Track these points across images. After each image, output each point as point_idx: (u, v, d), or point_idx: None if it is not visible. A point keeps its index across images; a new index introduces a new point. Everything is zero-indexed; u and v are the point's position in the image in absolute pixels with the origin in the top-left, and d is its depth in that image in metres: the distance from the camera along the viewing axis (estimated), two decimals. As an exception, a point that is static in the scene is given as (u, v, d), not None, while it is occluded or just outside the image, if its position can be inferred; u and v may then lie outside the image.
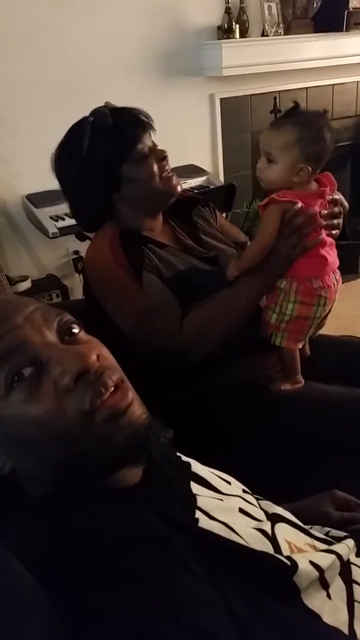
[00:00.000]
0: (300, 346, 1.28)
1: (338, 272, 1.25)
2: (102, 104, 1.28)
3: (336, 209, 1.23)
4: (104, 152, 1.21)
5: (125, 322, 1.22)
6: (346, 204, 1.26)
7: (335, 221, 1.24)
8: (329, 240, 1.23)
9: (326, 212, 1.21)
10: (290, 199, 1.16)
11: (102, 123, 1.22)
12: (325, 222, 1.21)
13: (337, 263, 1.26)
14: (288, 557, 0.63)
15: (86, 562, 0.54)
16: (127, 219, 1.29)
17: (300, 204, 1.16)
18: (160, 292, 1.22)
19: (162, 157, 1.26)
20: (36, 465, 0.63)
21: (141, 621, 0.49)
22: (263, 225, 1.19)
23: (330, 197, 1.22)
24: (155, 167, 1.25)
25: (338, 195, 1.24)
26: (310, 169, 1.16)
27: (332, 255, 1.24)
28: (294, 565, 0.62)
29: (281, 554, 0.66)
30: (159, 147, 1.28)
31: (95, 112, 1.24)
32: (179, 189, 1.30)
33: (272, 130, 1.17)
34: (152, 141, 1.27)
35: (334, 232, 1.24)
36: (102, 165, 1.22)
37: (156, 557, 0.55)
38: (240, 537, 0.65)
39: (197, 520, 0.65)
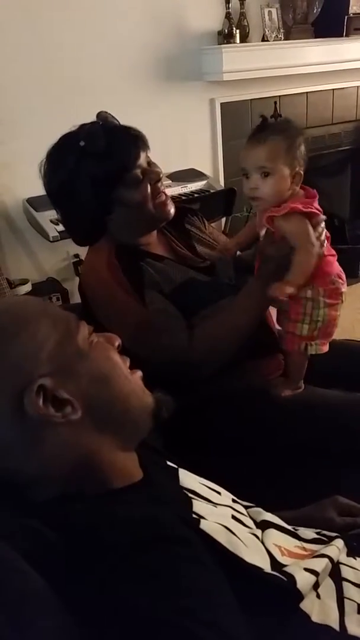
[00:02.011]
0: (327, 348, 1.27)
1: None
2: (97, 115, 1.23)
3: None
4: (93, 177, 1.17)
5: (130, 340, 1.17)
6: None
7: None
8: (328, 236, 1.24)
9: None
10: (311, 210, 1.15)
11: (94, 149, 1.16)
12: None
13: None
14: (285, 572, 0.66)
15: (108, 560, 0.55)
16: (121, 237, 1.27)
17: (323, 217, 1.17)
18: (164, 308, 1.21)
19: (156, 179, 1.23)
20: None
21: (164, 616, 0.51)
22: (301, 234, 1.14)
23: None
24: (149, 190, 1.22)
25: None
26: (301, 172, 1.16)
27: (335, 254, 1.25)
28: (293, 580, 0.65)
29: (273, 558, 0.69)
30: (154, 166, 1.24)
31: (88, 135, 1.17)
32: (172, 212, 1.28)
33: (257, 146, 1.14)
34: (148, 159, 1.23)
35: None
36: (91, 189, 1.18)
37: (176, 555, 0.57)
38: (240, 539, 0.67)
39: (198, 521, 0.66)
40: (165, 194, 1.26)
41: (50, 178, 1.23)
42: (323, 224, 1.20)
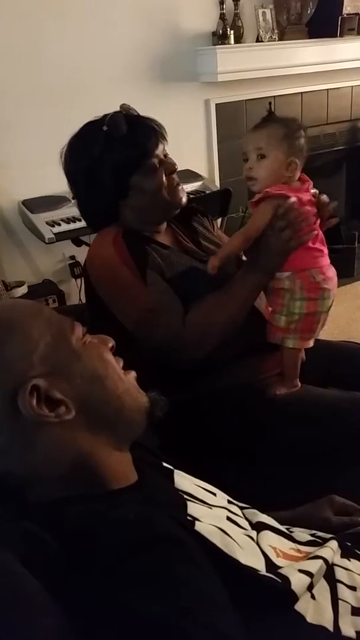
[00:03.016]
0: (312, 344, 1.28)
1: (332, 266, 1.27)
2: (119, 106, 1.28)
3: (323, 197, 1.25)
4: (114, 162, 1.22)
5: (129, 319, 1.22)
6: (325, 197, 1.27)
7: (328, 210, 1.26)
8: (321, 235, 1.24)
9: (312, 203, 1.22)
10: (284, 193, 1.17)
11: (117, 133, 1.21)
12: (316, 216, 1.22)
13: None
14: (280, 574, 0.66)
15: (104, 562, 0.55)
16: (132, 223, 1.30)
17: (294, 198, 1.17)
18: (164, 290, 1.23)
19: (172, 170, 1.28)
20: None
21: (161, 617, 0.51)
22: (253, 217, 1.21)
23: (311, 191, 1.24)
24: (164, 180, 1.26)
25: (314, 190, 1.26)
26: (297, 162, 1.20)
27: (325, 250, 1.26)
28: (287, 582, 0.65)
29: (268, 559, 0.69)
30: (170, 159, 1.29)
31: (111, 120, 1.23)
32: (184, 200, 1.32)
33: (257, 130, 1.21)
34: (165, 151, 1.28)
35: (333, 220, 1.27)
36: (111, 174, 1.23)
37: (172, 556, 0.57)
38: (235, 541, 0.67)
39: (192, 523, 0.66)
40: (179, 184, 1.30)
41: (72, 160, 1.27)
42: (304, 210, 1.18)
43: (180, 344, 1.20)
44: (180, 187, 1.30)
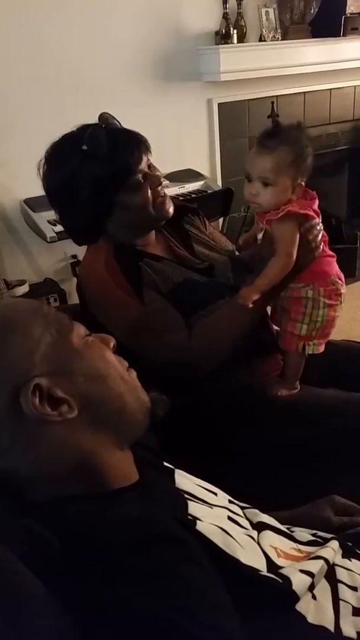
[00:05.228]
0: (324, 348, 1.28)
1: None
2: (99, 116, 1.23)
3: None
4: (95, 180, 1.17)
5: (129, 341, 1.16)
6: None
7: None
8: (326, 238, 1.24)
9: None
10: (307, 212, 1.16)
11: (96, 150, 1.16)
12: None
13: None
14: (281, 574, 0.66)
15: (105, 561, 0.55)
16: (120, 237, 1.27)
17: (317, 219, 1.17)
18: (163, 307, 1.21)
19: (157, 183, 1.24)
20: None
21: (162, 617, 0.51)
22: (285, 239, 1.16)
23: None
24: (149, 194, 1.22)
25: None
26: (303, 183, 1.17)
27: (334, 255, 1.26)
28: (288, 582, 0.65)
29: (269, 559, 0.69)
30: (155, 170, 1.24)
31: (90, 137, 1.17)
32: (171, 211, 1.28)
33: (264, 154, 1.13)
34: (149, 162, 1.24)
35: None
36: (92, 192, 1.18)
37: (173, 556, 0.57)
38: (236, 541, 0.67)
39: (193, 522, 0.66)
40: (165, 194, 1.27)
41: (50, 178, 1.23)
42: (319, 227, 1.20)
43: (186, 360, 1.19)
44: (166, 200, 1.26)
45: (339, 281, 1.23)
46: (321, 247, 1.21)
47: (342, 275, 1.25)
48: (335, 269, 1.24)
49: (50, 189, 1.24)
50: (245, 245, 1.38)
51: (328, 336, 1.28)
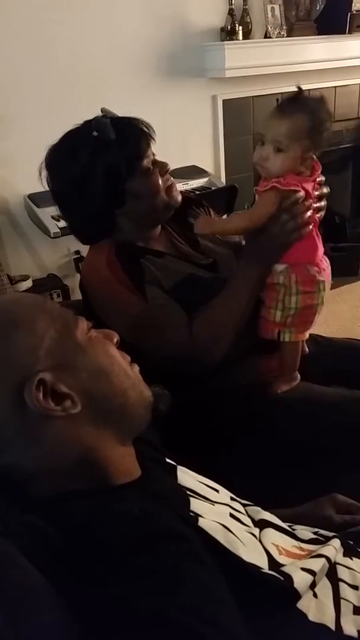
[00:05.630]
0: (307, 336, 1.27)
1: (325, 257, 1.25)
2: (100, 110, 1.23)
3: (324, 190, 1.23)
4: (106, 168, 1.17)
5: (133, 338, 1.14)
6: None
7: (322, 203, 1.23)
8: (317, 221, 1.22)
9: (317, 193, 1.20)
10: (292, 188, 1.14)
11: (104, 138, 1.16)
12: (316, 205, 1.20)
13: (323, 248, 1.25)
14: (282, 572, 0.66)
15: (108, 558, 0.55)
16: (127, 233, 1.27)
17: (302, 193, 1.15)
18: (165, 303, 1.21)
19: (165, 170, 1.25)
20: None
21: (165, 613, 0.51)
22: (258, 207, 1.17)
23: (318, 178, 1.20)
24: (160, 181, 1.23)
25: (321, 177, 1.22)
26: (314, 157, 1.15)
27: (319, 238, 1.23)
28: (290, 580, 0.65)
29: (271, 557, 0.69)
30: (159, 157, 1.25)
31: (97, 125, 1.17)
32: (179, 200, 1.29)
33: (282, 118, 1.12)
34: (153, 152, 1.24)
35: (320, 213, 1.23)
36: (104, 182, 1.18)
37: (176, 552, 0.57)
38: (238, 538, 0.67)
39: (195, 519, 0.66)
40: (174, 183, 1.27)
41: (57, 174, 1.23)
42: (307, 204, 1.16)
43: (191, 355, 1.18)
44: (174, 187, 1.27)
45: (316, 268, 1.20)
46: (309, 227, 1.19)
47: (323, 264, 1.22)
48: (317, 255, 1.21)
49: (59, 187, 1.24)
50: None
51: (308, 324, 1.25)
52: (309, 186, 1.17)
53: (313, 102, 1.15)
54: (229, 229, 1.20)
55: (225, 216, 2.92)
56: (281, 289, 1.21)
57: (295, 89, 1.16)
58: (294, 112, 1.11)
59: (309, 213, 1.17)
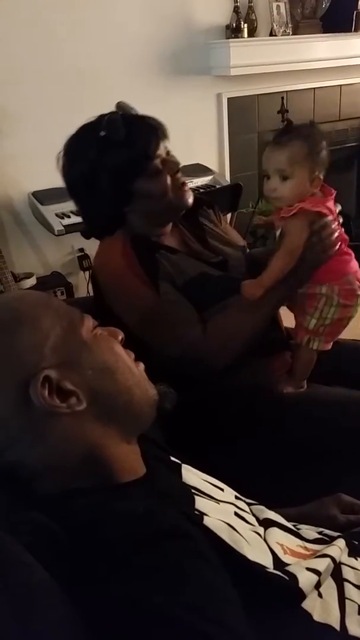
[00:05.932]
0: (330, 347, 1.27)
1: None
2: (115, 103, 1.23)
3: (338, 208, 1.23)
4: (114, 168, 1.17)
5: (143, 331, 1.17)
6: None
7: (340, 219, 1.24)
8: (345, 237, 1.23)
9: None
10: (320, 210, 1.15)
11: (114, 136, 1.16)
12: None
13: None
14: (287, 571, 0.66)
15: (112, 556, 0.55)
16: (138, 228, 1.27)
17: (331, 217, 1.17)
18: (177, 300, 1.21)
19: (176, 169, 1.24)
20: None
21: (170, 612, 0.51)
22: (291, 237, 1.16)
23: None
24: (169, 181, 1.21)
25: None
26: (321, 176, 1.17)
27: (352, 254, 1.25)
28: (295, 579, 0.65)
29: (276, 556, 0.69)
30: (172, 157, 1.24)
31: (108, 123, 1.17)
32: (190, 201, 1.28)
33: (280, 149, 1.15)
34: (167, 150, 1.23)
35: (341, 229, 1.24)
36: (112, 181, 1.18)
37: (181, 550, 0.57)
38: (242, 537, 0.67)
39: (200, 517, 0.66)
40: (184, 183, 1.27)
41: (69, 169, 1.23)
42: (334, 225, 1.19)
43: (199, 355, 1.18)
44: (185, 187, 1.26)
45: (357, 282, 1.21)
46: (338, 245, 1.20)
47: None
48: (354, 268, 1.22)
49: (70, 181, 1.24)
50: (265, 224, 1.37)
51: (337, 335, 1.27)
52: (330, 204, 1.18)
53: (305, 128, 1.19)
54: (276, 275, 1.16)
55: (229, 215, 2.92)
56: (322, 298, 1.21)
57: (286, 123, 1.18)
58: (290, 141, 1.14)
59: (336, 234, 1.18)
